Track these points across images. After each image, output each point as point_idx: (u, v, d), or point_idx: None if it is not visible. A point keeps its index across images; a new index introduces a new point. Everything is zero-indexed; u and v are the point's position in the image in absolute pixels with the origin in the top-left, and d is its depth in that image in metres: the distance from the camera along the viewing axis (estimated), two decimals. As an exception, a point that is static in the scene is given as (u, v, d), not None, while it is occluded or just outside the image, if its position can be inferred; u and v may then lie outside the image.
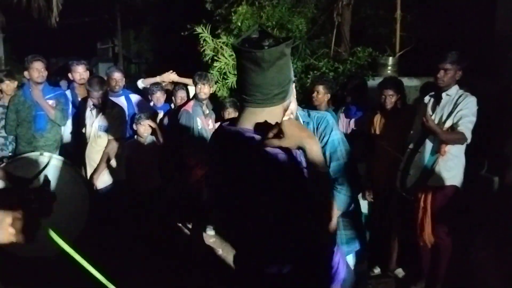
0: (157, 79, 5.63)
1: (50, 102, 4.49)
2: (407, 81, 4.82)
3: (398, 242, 3.95)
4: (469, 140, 3.33)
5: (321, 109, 4.18)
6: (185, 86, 5.31)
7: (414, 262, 3.80)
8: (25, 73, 4.43)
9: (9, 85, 4.70)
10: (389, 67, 5.46)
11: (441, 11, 6.91)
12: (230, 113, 4.96)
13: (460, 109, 3.35)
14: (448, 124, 3.41)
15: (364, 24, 7.14)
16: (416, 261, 3.75)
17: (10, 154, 4.56)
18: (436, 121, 3.44)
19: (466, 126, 3.30)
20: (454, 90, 3.47)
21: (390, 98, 3.85)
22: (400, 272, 3.92)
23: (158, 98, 5.12)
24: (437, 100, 3.56)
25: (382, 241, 4.01)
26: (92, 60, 17.84)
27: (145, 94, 5.37)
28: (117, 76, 4.82)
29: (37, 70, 4.37)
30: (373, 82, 5.07)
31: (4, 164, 3.74)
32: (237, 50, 1.48)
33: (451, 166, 3.43)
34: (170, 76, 5.59)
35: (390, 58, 5.53)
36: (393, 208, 3.88)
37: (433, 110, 3.56)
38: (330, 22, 6.54)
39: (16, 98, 4.48)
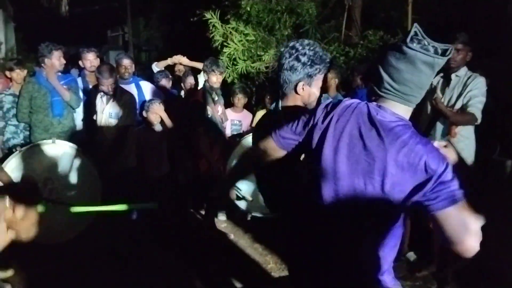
0: (168, 61, 5.64)
1: (65, 87, 4.54)
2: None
3: (409, 225, 3.94)
4: (479, 121, 3.31)
5: (330, 94, 4.16)
6: (192, 71, 5.32)
7: (425, 246, 3.79)
8: (46, 60, 4.43)
9: (19, 74, 4.72)
10: (401, 50, 5.38)
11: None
12: (240, 99, 4.96)
13: (469, 90, 3.33)
14: (458, 105, 3.39)
15: (375, 7, 7.04)
16: (428, 245, 3.74)
17: (21, 142, 4.60)
18: (445, 103, 3.41)
19: (476, 107, 3.28)
20: (463, 71, 3.44)
21: None
22: (411, 255, 3.92)
23: (164, 85, 5.13)
24: (447, 81, 3.53)
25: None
26: (102, 48, 17.89)
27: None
28: (127, 63, 4.83)
29: (59, 58, 4.45)
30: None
31: (17, 152, 3.78)
32: (410, 50, 1.52)
33: (462, 148, 3.40)
34: (181, 59, 5.59)
35: (402, 41, 5.45)
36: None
37: (443, 91, 3.52)
38: (341, 6, 6.46)
39: (30, 85, 4.49)
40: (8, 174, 3.59)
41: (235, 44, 6.03)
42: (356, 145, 1.57)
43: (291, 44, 2.04)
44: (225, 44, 6.09)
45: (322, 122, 1.64)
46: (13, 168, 3.74)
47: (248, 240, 4.54)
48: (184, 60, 5.59)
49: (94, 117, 4.32)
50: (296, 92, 2.02)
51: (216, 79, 4.39)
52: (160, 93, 4.92)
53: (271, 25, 6.14)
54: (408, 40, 1.53)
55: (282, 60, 2.02)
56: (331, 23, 6.54)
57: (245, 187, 4.41)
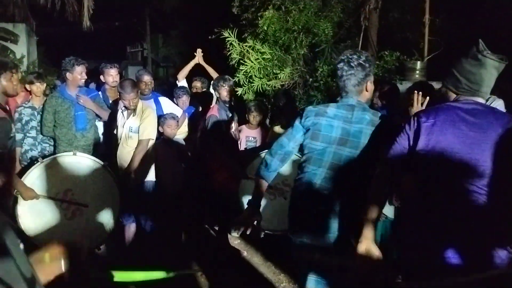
0: (191, 64, 5.81)
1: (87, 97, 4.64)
2: (436, 85, 4.76)
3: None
4: None
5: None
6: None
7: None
8: (68, 74, 4.53)
9: (39, 87, 4.81)
10: (417, 71, 5.41)
11: (470, 15, 6.81)
12: (255, 116, 4.99)
13: None
14: None
15: (391, 28, 7.09)
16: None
17: (39, 154, 4.68)
18: None
19: None
20: None
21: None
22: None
23: (184, 101, 5.20)
24: None
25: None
26: (121, 64, 18.20)
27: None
28: (147, 79, 4.92)
29: (81, 73, 4.55)
30: (400, 86, 5.03)
31: (38, 163, 3.86)
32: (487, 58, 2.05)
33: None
34: (200, 60, 5.75)
35: (419, 62, 5.48)
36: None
37: None
38: (357, 26, 6.52)
39: (54, 99, 4.57)
40: (25, 184, 3.68)
41: (252, 62, 6.12)
42: (464, 129, 2.01)
43: (349, 54, 2.48)
44: (241, 62, 6.19)
45: (427, 123, 2.06)
46: (35, 178, 3.82)
47: (261, 257, 4.54)
48: (201, 60, 5.76)
49: (115, 131, 4.40)
50: (366, 90, 2.48)
51: (226, 93, 4.48)
52: (178, 109, 5.00)
53: (287, 44, 6.22)
54: (482, 51, 2.05)
55: (346, 67, 2.43)
56: (347, 43, 6.60)
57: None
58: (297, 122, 2.53)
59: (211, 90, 5.32)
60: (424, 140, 2.05)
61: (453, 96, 2.15)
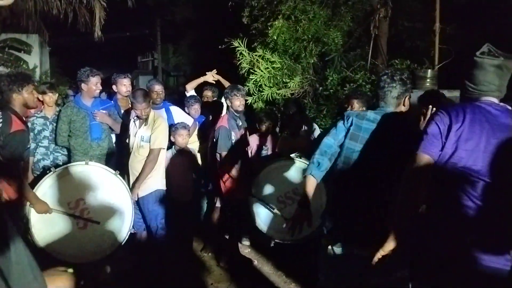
0: (201, 79, 5.77)
1: (104, 112, 4.69)
2: (448, 93, 4.75)
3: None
4: None
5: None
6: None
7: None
8: (83, 85, 4.56)
9: (51, 97, 4.84)
10: (428, 80, 5.38)
11: (480, 23, 6.79)
12: (267, 126, 4.99)
13: None
14: None
15: (401, 36, 7.09)
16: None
17: (51, 163, 4.72)
18: None
19: None
20: None
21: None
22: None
23: (196, 109, 5.21)
24: None
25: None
26: (133, 73, 18.38)
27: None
28: (158, 88, 4.97)
29: (96, 84, 4.58)
30: (411, 94, 5.02)
31: (51, 172, 3.90)
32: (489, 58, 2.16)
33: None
34: (215, 75, 5.72)
35: (429, 71, 5.46)
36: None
37: None
38: (367, 35, 6.53)
39: (69, 109, 4.60)
40: (37, 197, 3.71)
41: (262, 71, 6.16)
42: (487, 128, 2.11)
43: (393, 69, 2.84)
44: (251, 71, 6.22)
45: (456, 123, 2.12)
46: (47, 187, 3.86)
47: (271, 266, 4.52)
48: (217, 76, 5.73)
49: (127, 141, 4.44)
50: (404, 104, 2.70)
51: (239, 103, 4.48)
52: (189, 118, 5.03)
53: (297, 53, 6.25)
54: (477, 53, 2.17)
55: (389, 80, 2.65)
56: (357, 52, 6.62)
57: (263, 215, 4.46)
58: (340, 124, 2.72)
59: (222, 100, 5.34)
60: (454, 137, 2.12)
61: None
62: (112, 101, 5.10)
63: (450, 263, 2.14)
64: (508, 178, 2.05)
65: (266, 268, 4.51)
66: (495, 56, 2.16)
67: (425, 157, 2.14)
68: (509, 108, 2.18)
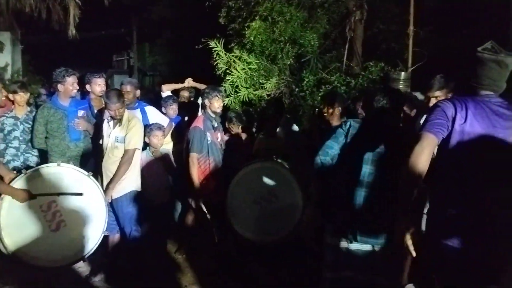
0: (179, 85, 5.76)
1: (82, 112, 4.63)
2: (420, 95, 4.83)
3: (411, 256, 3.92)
4: None
5: (334, 122, 4.20)
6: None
7: (426, 278, 3.77)
8: (59, 86, 4.50)
9: (23, 97, 4.73)
10: (401, 82, 5.48)
11: (456, 27, 6.93)
12: (236, 126, 4.97)
13: None
14: None
15: (376, 39, 7.18)
16: (429, 276, 3.72)
17: (21, 165, 4.62)
18: None
19: None
20: None
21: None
22: (411, 287, 3.89)
23: (174, 110, 5.17)
24: None
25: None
26: (107, 72, 18.11)
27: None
28: (131, 89, 4.87)
29: (73, 84, 4.53)
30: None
31: (22, 174, 3.81)
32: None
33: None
34: (191, 83, 5.71)
35: (403, 73, 5.55)
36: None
37: None
38: (342, 37, 6.60)
39: (46, 110, 4.53)
40: (14, 187, 3.63)
41: (238, 72, 6.15)
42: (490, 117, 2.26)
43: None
44: (228, 72, 6.21)
45: (460, 114, 2.25)
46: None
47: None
48: (192, 82, 5.72)
49: (100, 141, 4.37)
50: None
51: (219, 104, 4.46)
52: (165, 118, 4.97)
53: (273, 55, 6.27)
54: (479, 48, 2.29)
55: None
56: (333, 53, 6.68)
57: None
58: (339, 129, 3.00)
59: (198, 100, 5.31)
60: (458, 128, 2.26)
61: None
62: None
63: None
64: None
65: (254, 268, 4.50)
66: (496, 52, 2.28)
67: (429, 136, 2.24)
68: (508, 100, 2.31)
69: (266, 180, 4.46)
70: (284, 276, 4.27)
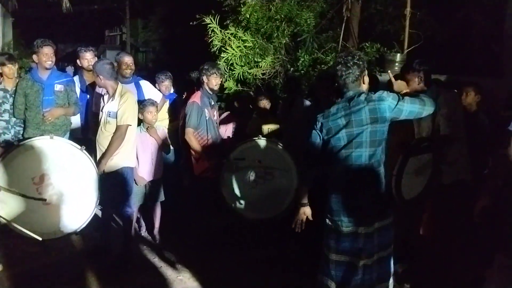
0: None
1: (59, 87, 4.54)
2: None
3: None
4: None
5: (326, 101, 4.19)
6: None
7: (413, 257, 3.83)
8: (34, 56, 4.46)
9: (11, 69, 4.66)
10: (397, 63, 5.46)
11: (450, 10, 6.91)
12: (265, 104, 4.96)
13: None
14: None
15: (373, 20, 7.14)
16: (415, 256, 3.79)
17: (12, 137, 4.59)
18: None
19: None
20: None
21: None
22: (399, 267, 3.93)
23: (167, 86, 5.09)
24: None
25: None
26: (99, 47, 17.88)
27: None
28: (128, 60, 4.75)
29: (46, 55, 4.42)
30: (380, 78, 5.11)
31: (14, 146, 3.77)
32: None
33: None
34: None
35: (398, 55, 5.54)
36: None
37: None
38: (339, 17, 6.54)
39: (24, 82, 4.51)
40: None
41: (233, 49, 6.09)
42: None
43: (344, 56, 2.86)
44: (223, 49, 6.15)
45: None
46: (10, 162, 3.74)
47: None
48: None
49: (92, 115, 4.33)
50: (363, 82, 2.86)
51: (216, 82, 4.42)
52: (158, 93, 4.91)
53: (269, 33, 6.20)
54: None
55: (344, 68, 2.79)
56: (329, 33, 6.62)
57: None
58: (313, 130, 2.91)
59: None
60: None
61: None
62: (76, 75, 4.98)
63: None
64: None
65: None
66: None
67: None
68: None
69: (261, 158, 4.47)
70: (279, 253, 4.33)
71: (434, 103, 2.88)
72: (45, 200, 3.81)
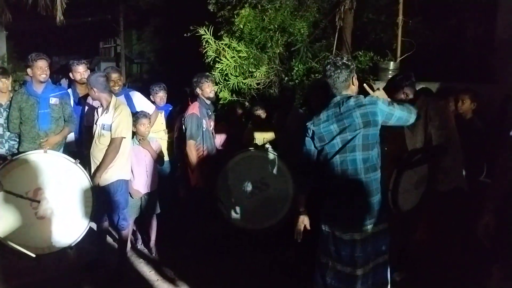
0: None
1: (54, 100, 4.52)
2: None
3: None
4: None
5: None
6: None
7: (411, 266, 3.82)
8: (28, 70, 4.45)
9: (5, 83, 4.65)
10: (390, 71, 5.50)
11: (442, 18, 6.96)
12: (261, 113, 4.95)
13: None
14: None
15: (365, 28, 7.18)
16: (413, 264, 3.77)
17: (7, 152, 4.56)
18: None
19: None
20: None
21: None
22: (397, 275, 3.93)
23: (162, 97, 5.07)
24: None
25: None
26: (94, 59, 17.88)
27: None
28: (115, 77, 4.68)
29: (41, 68, 4.41)
30: (375, 86, 5.12)
31: (8, 161, 3.75)
32: None
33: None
34: None
35: (391, 63, 5.57)
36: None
37: None
38: (332, 26, 6.57)
39: (19, 96, 4.49)
40: None
41: (228, 60, 6.10)
42: None
43: (333, 57, 2.92)
44: (217, 60, 6.16)
45: None
46: (4, 177, 3.71)
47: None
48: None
49: (85, 129, 4.31)
50: (353, 84, 2.86)
51: (210, 89, 4.45)
52: (150, 104, 4.89)
53: (263, 43, 6.23)
54: None
55: (333, 68, 2.79)
56: (322, 43, 6.65)
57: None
58: (306, 138, 2.89)
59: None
60: None
61: None
62: (70, 88, 4.96)
63: None
64: None
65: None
66: None
67: None
68: None
69: (257, 168, 4.47)
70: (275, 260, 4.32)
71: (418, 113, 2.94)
72: (38, 201, 3.79)
